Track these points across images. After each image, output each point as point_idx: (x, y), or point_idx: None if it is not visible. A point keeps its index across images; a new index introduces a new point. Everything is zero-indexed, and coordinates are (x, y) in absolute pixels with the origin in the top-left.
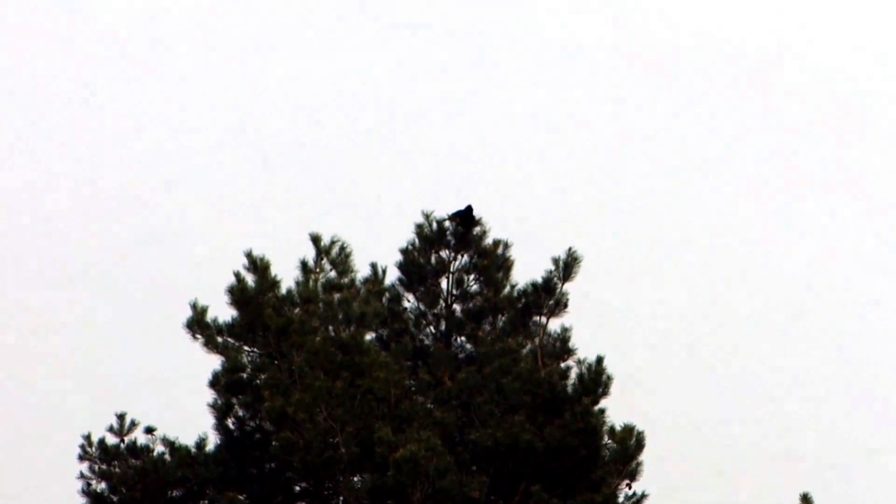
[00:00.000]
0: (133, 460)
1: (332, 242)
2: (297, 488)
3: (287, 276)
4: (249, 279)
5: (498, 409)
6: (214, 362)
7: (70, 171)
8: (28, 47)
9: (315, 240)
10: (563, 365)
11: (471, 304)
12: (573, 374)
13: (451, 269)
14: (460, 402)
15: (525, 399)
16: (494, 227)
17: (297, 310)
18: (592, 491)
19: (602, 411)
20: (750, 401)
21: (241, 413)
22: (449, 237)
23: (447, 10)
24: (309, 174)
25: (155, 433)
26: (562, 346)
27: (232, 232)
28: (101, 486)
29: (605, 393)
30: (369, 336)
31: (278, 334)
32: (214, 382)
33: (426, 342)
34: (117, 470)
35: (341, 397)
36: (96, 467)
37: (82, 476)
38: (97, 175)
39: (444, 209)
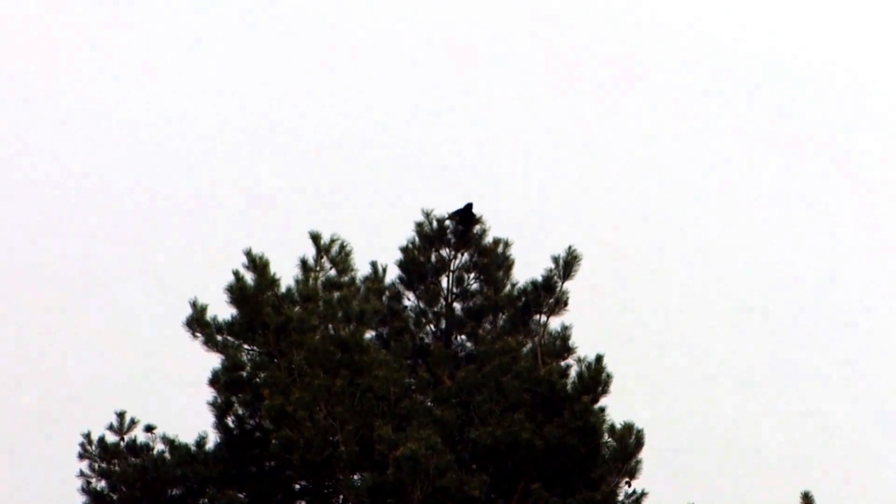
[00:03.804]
0: (133, 458)
1: (332, 241)
2: (297, 486)
3: (286, 275)
4: (249, 277)
5: (498, 407)
6: (214, 361)
7: (69, 169)
8: (27, 46)
9: (315, 238)
10: (562, 363)
11: (471, 303)
12: (573, 372)
13: (452, 268)
14: (460, 400)
15: (525, 397)
16: (495, 226)
17: (296, 308)
18: (592, 489)
19: (602, 410)
20: (750, 400)
21: (240, 411)
22: (449, 236)
23: (447, 9)
24: (309, 173)
25: (155, 431)
26: (562, 344)
27: (231, 230)
28: (101, 484)
29: (604, 391)
30: (369, 334)
31: (278, 332)
32: (214, 381)
33: (426, 340)
34: (117, 468)
35: (341, 395)
36: (96, 465)
37: (82, 474)
38: (96, 174)
39: (444, 208)
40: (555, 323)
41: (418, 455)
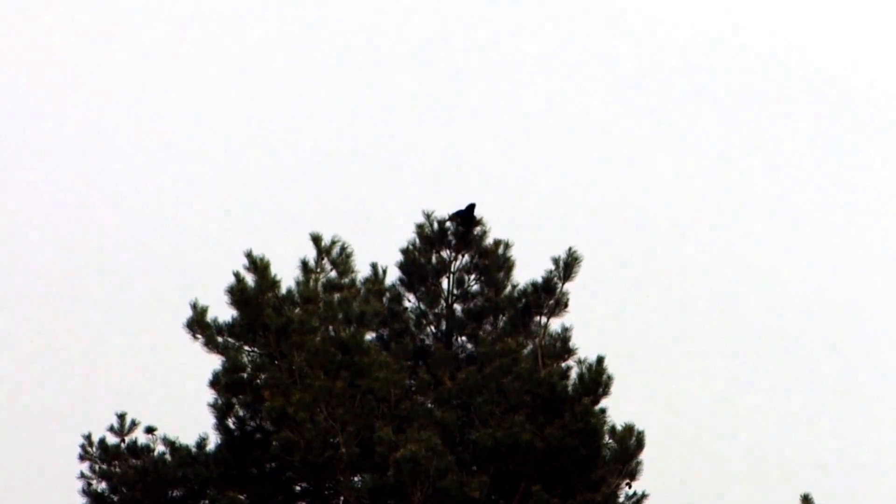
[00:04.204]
0: (133, 460)
1: (333, 242)
2: (298, 488)
3: (287, 276)
4: (249, 279)
5: (498, 409)
6: (215, 362)
7: (71, 170)
8: (29, 47)
9: (316, 240)
10: (563, 365)
11: (471, 304)
12: (573, 373)
13: (452, 269)
14: (461, 401)
15: (525, 399)
16: (495, 227)
17: (297, 310)
18: (592, 490)
19: (602, 411)
20: (750, 400)
21: (241, 413)
22: (450, 237)
23: (446, 11)
24: (310, 174)
25: (155, 433)
26: (562, 345)
27: (232, 232)
28: (102, 485)
29: (605, 393)
30: (369, 336)
31: (278, 334)
32: (215, 382)
33: (427, 342)
34: (118, 470)
35: (341, 397)
36: (97, 467)
37: (83, 476)
38: (98, 175)
39: (444, 209)
40: (555, 324)
41: (419, 457)
